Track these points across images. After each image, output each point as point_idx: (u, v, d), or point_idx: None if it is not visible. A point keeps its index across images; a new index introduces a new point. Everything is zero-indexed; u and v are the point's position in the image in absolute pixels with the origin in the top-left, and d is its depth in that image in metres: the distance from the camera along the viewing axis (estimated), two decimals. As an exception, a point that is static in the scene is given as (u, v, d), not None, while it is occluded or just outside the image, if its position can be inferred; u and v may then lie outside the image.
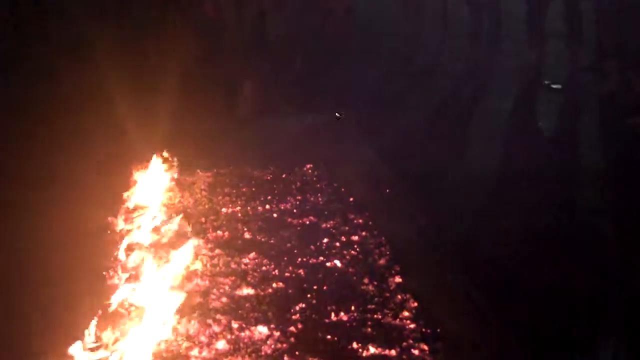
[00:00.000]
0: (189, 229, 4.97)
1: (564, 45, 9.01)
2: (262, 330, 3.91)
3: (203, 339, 3.85)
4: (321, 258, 4.66)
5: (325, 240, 4.89)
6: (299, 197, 5.56)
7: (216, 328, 3.93)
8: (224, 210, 5.37)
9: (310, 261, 4.63)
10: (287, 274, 4.47)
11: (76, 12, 8.65)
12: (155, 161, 5.82)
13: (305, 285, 4.35)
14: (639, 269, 4.59)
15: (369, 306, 4.11)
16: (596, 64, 8.73)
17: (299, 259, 4.65)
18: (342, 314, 4.04)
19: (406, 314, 4.03)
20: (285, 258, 4.66)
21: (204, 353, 3.75)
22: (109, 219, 5.17)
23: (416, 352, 3.72)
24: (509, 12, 9.65)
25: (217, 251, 4.74)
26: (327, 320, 4.00)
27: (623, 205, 5.56)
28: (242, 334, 3.89)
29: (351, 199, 5.51)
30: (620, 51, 8.45)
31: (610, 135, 7.05)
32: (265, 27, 9.37)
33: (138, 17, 8.75)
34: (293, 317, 4.03)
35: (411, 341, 3.80)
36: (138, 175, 5.70)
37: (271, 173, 6.03)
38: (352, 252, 4.73)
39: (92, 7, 8.87)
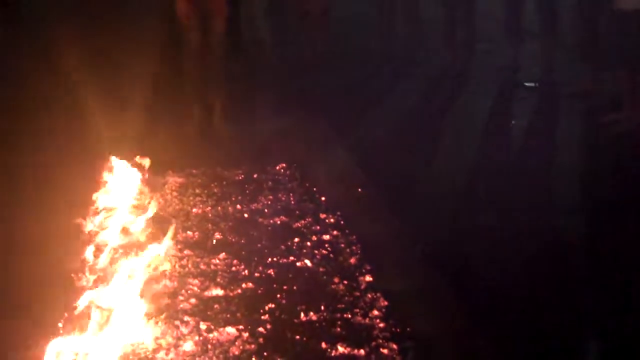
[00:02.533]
0: (159, 230, 4.92)
1: (540, 44, 9.00)
2: (230, 331, 3.87)
3: (170, 340, 3.81)
4: (292, 258, 4.64)
5: (296, 240, 4.86)
6: (271, 197, 5.54)
7: (184, 329, 3.89)
8: (194, 210, 5.33)
9: (281, 261, 4.61)
10: (257, 275, 4.44)
11: (47, 15, 8.56)
12: (126, 162, 5.77)
13: (275, 285, 4.32)
14: (616, 269, 4.59)
15: (339, 305, 4.09)
16: (571, 61, 8.74)
17: (269, 259, 4.62)
18: (311, 313, 4.01)
19: (376, 313, 4.00)
20: (256, 258, 4.63)
21: (171, 355, 3.71)
22: (78, 220, 5.10)
23: (385, 351, 3.69)
24: (484, 12, 9.66)
25: (186, 252, 4.71)
26: (296, 321, 3.97)
27: (599, 204, 5.56)
28: (210, 335, 3.85)
29: (323, 199, 5.49)
30: (595, 50, 8.46)
31: (586, 133, 7.06)
32: (239, 29, 9.29)
33: (112, 20, 8.66)
34: (262, 317, 4.00)
35: (381, 340, 3.77)
36: (107, 177, 5.64)
37: (243, 173, 5.99)
38: (323, 251, 4.71)
39: (65, 10, 8.78)
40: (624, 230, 5.08)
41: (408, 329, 3.86)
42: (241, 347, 3.74)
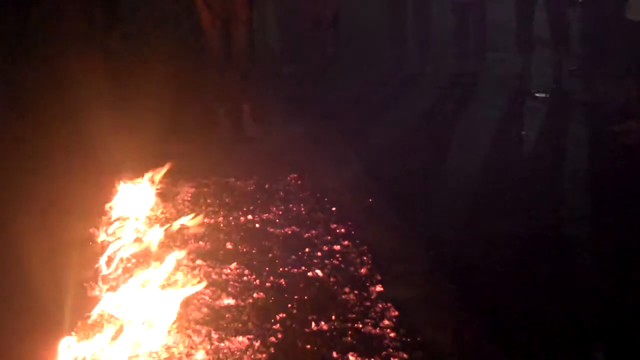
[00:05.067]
0: (171, 240, 4.96)
1: (549, 54, 9.03)
2: (242, 340, 3.89)
3: (182, 349, 3.83)
4: (303, 268, 4.65)
5: (307, 249, 4.88)
6: (282, 207, 5.55)
7: (196, 339, 3.91)
8: (206, 220, 5.35)
9: (292, 271, 4.62)
10: (268, 284, 4.46)
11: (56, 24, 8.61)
12: (138, 172, 5.81)
13: (286, 295, 4.34)
14: (620, 278, 4.60)
15: (350, 315, 4.10)
16: (581, 72, 8.77)
17: (281, 269, 4.64)
18: (322, 323, 4.03)
19: (386, 322, 4.02)
20: (267, 268, 4.65)
21: (183, 364, 3.74)
22: (91, 230, 5.15)
23: (396, 360, 3.71)
24: (495, 22, 9.69)
25: (198, 262, 4.73)
26: (307, 330, 3.99)
27: (608, 214, 5.57)
28: (222, 344, 3.87)
29: (334, 209, 5.51)
30: (604, 59, 8.49)
31: (595, 143, 7.07)
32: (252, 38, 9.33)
33: (125, 29, 8.70)
34: (273, 327, 4.01)
35: (391, 350, 3.79)
36: (120, 187, 5.68)
37: (254, 183, 6.02)
38: (334, 261, 4.72)
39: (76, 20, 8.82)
40: (631, 238, 5.10)
41: (419, 339, 3.87)
42: (252, 357, 3.76)
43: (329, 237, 5.05)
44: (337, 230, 5.15)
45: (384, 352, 3.77)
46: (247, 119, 7.39)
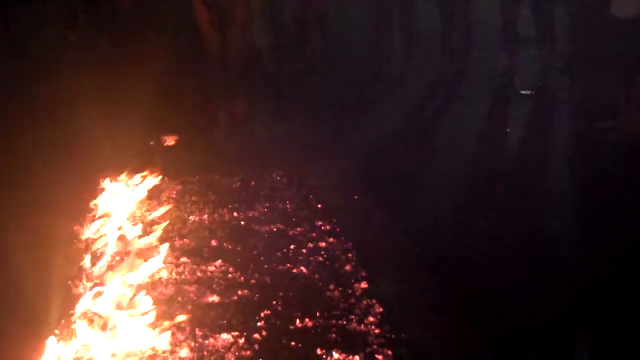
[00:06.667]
0: (155, 237, 4.95)
1: (535, 51, 9.04)
2: (226, 337, 3.88)
3: (166, 346, 3.82)
4: (287, 265, 4.65)
5: (292, 247, 4.87)
6: (267, 204, 5.55)
7: (180, 336, 3.90)
8: (191, 218, 5.35)
9: (277, 268, 4.62)
10: (252, 281, 4.46)
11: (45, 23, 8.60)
12: (123, 170, 5.80)
13: (270, 292, 4.34)
14: (610, 278, 4.61)
15: (334, 312, 4.10)
16: (567, 69, 8.78)
17: (265, 266, 4.64)
18: (307, 320, 4.03)
19: (371, 319, 4.02)
20: (251, 265, 4.64)
21: (167, 361, 3.74)
22: (75, 227, 5.13)
23: (380, 357, 3.71)
24: (480, 20, 9.68)
25: (183, 259, 4.72)
26: (291, 327, 3.99)
27: (593, 211, 5.58)
28: (206, 341, 3.86)
29: (319, 206, 5.50)
30: (590, 57, 8.50)
31: (581, 140, 7.08)
32: (239, 38, 9.31)
33: (112, 27, 8.68)
34: (258, 324, 4.01)
35: (375, 347, 3.79)
36: (105, 184, 5.67)
37: (240, 180, 6.01)
38: (319, 258, 4.72)
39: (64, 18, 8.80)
40: (619, 235, 5.11)
41: (403, 335, 3.87)
42: (237, 354, 3.76)
43: (314, 234, 5.05)
44: (322, 227, 5.15)
45: (368, 349, 3.77)
46: (239, 119, 7.36)
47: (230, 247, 4.91)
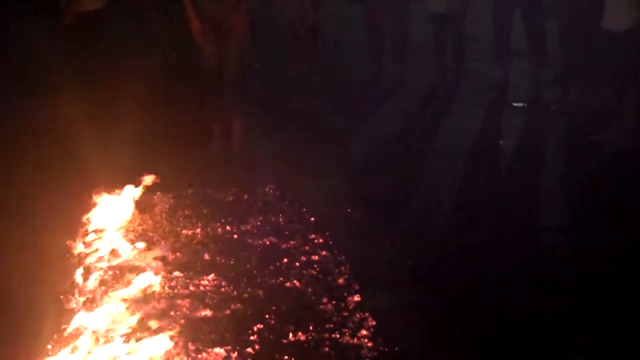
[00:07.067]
0: (148, 251, 4.94)
1: (527, 64, 9.07)
2: (219, 351, 3.88)
3: (159, 361, 3.82)
4: (280, 278, 4.65)
5: (285, 260, 4.87)
6: (260, 218, 5.54)
7: (173, 350, 3.90)
8: (183, 232, 5.33)
9: (270, 282, 4.62)
10: (245, 295, 4.46)
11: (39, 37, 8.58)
12: (116, 184, 5.80)
13: (263, 306, 4.33)
14: (603, 287, 4.62)
15: (327, 325, 4.11)
16: (559, 82, 8.80)
17: (258, 280, 4.63)
18: (300, 333, 4.03)
19: (364, 332, 4.02)
20: (244, 279, 4.64)
21: (160, 376, 3.73)
22: (67, 242, 5.12)
23: (373, 370, 3.71)
24: (473, 33, 9.71)
25: (175, 273, 4.71)
26: (284, 341, 3.99)
27: (587, 223, 5.59)
28: (199, 355, 3.86)
29: (312, 219, 5.51)
30: (583, 69, 8.52)
31: (574, 152, 7.10)
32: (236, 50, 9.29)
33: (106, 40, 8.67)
34: (251, 338, 4.01)
35: (368, 360, 3.80)
36: (97, 198, 5.66)
37: (232, 194, 5.99)
38: (312, 271, 4.72)
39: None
40: (612, 245, 5.12)
41: (396, 349, 3.88)
42: (230, 368, 3.76)
43: (307, 248, 5.06)
44: (315, 241, 5.15)
45: (361, 362, 3.77)
46: (237, 133, 7.31)
47: (223, 261, 4.91)
